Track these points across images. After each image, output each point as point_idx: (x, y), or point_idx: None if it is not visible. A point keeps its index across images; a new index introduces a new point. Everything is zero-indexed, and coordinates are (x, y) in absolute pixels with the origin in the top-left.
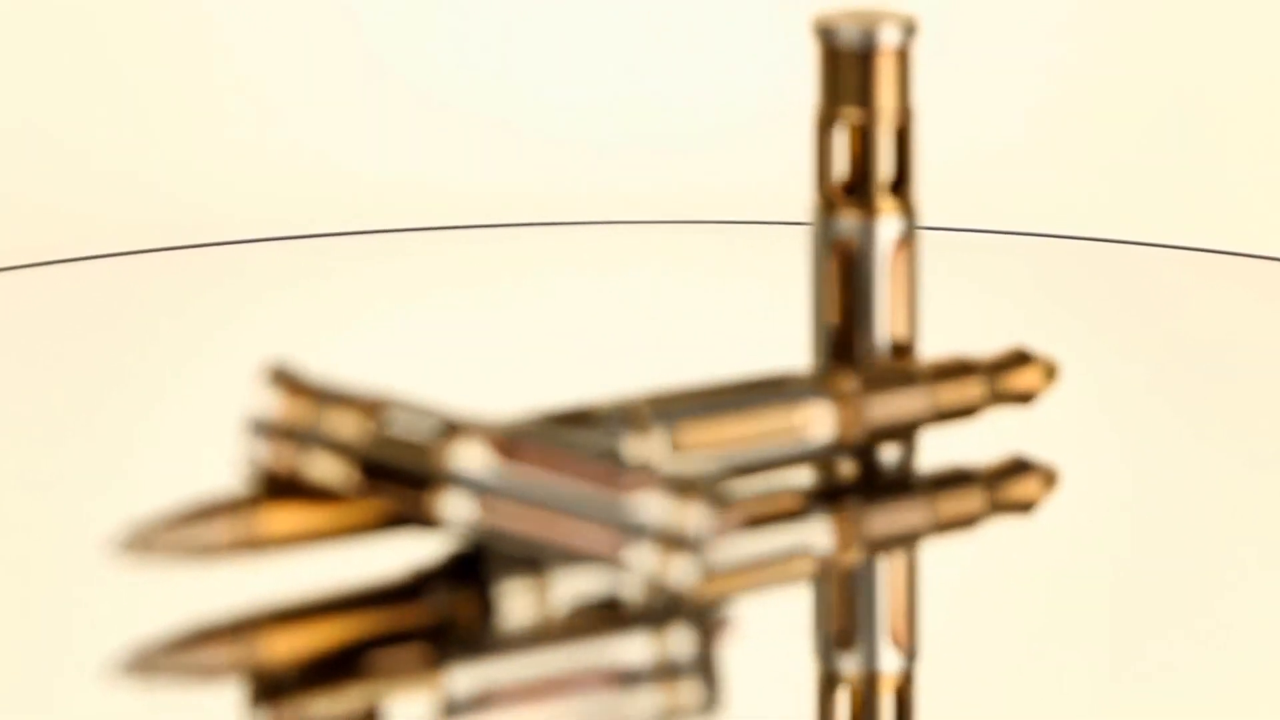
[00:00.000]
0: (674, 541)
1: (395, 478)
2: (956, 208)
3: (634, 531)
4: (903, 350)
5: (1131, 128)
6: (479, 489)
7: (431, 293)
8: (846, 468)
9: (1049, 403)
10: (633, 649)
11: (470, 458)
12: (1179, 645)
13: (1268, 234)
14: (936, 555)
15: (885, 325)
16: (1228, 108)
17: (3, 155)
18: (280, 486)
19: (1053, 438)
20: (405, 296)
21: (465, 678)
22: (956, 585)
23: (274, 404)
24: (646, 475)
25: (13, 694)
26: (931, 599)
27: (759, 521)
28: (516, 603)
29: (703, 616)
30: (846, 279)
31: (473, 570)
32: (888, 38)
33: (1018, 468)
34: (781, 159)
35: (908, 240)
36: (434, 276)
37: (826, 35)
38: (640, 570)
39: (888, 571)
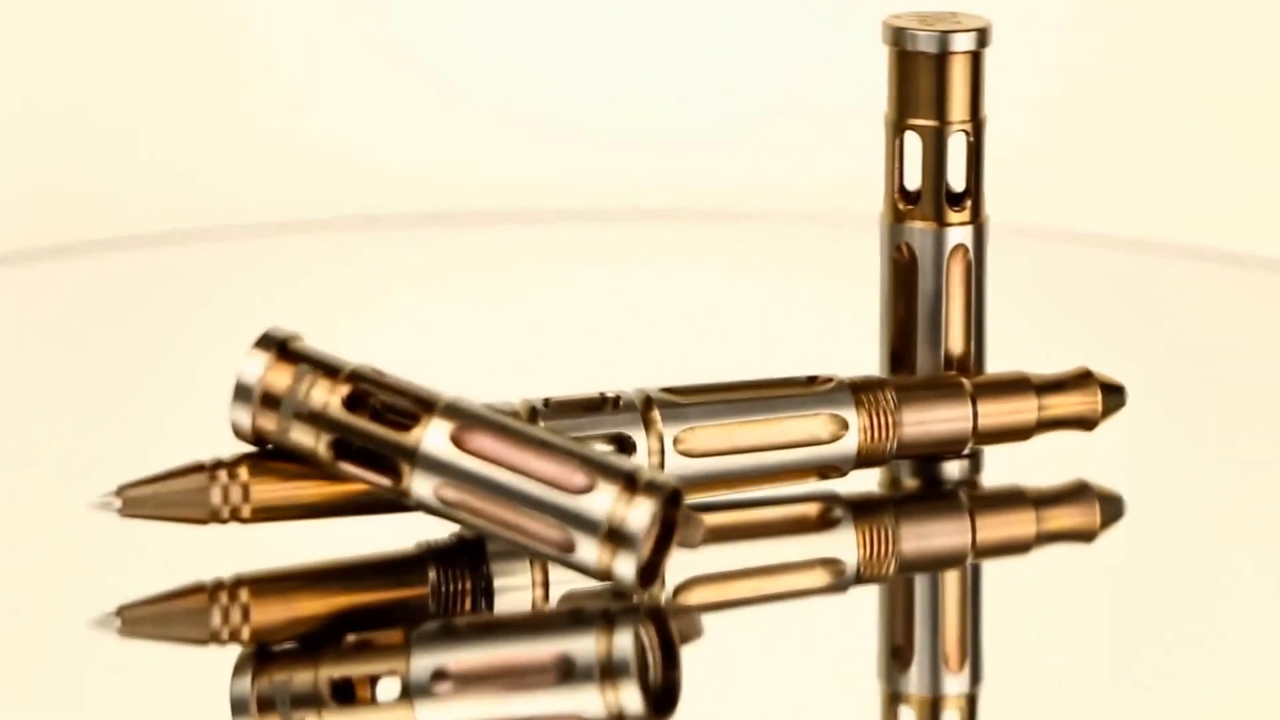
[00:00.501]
0: (615, 539)
1: (361, 453)
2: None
3: (579, 527)
4: (960, 363)
5: (1142, 125)
6: (437, 472)
7: (453, 283)
8: (891, 479)
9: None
10: (581, 645)
11: (431, 440)
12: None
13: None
14: (998, 574)
15: (941, 336)
16: (1234, 107)
17: (35, 141)
18: (270, 453)
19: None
20: (457, 284)
21: (424, 660)
22: (1009, 605)
23: (258, 370)
24: (599, 472)
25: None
26: (994, 620)
27: (783, 529)
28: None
29: (674, 618)
30: (903, 288)
31: (476, 552)
32: (961, 42)
33: (1076, 493)
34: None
35: (963, 250)
36: (460, 266)
37: (898, 38)
38: (584, 566)
39: (943, 590)
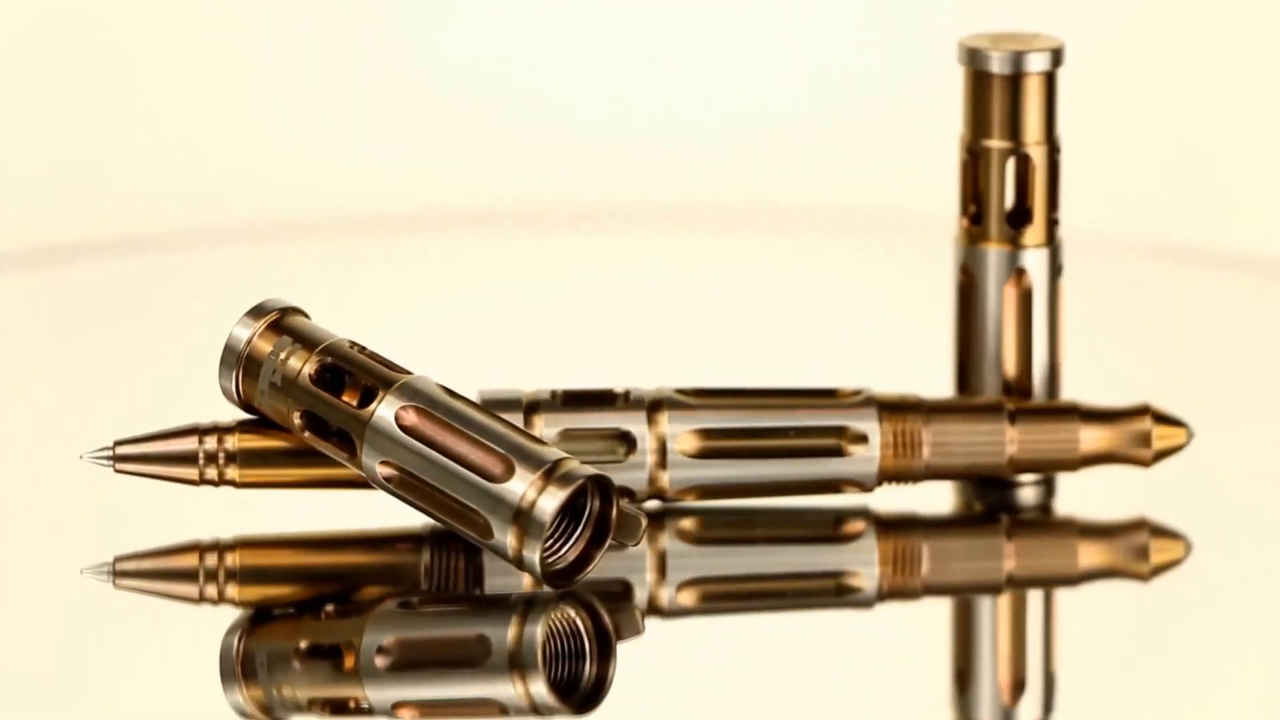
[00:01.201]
0: (523, 526)
1: (325, 426)
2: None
3: (495, 513)
4: (1019, 388)
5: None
6: (379, 449)
7: (485, 284)
8: (963, 501)
9: None
10: (498, 632)
11: (378, 417)
12: None
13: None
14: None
15: (998, 361)
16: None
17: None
18: (266, 421)
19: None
20: (490, 286)
21: (372, 636)
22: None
23: (244, 335)
24: (523, 460)
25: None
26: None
27: (796, 539)
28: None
29: (612, 613)
30: (966, 311)
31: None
32: (1036, 63)
33: (1132, 529)
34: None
35: (1023, 274)
36: (489, 269)
37: (973, 59)
38: (501, 552)
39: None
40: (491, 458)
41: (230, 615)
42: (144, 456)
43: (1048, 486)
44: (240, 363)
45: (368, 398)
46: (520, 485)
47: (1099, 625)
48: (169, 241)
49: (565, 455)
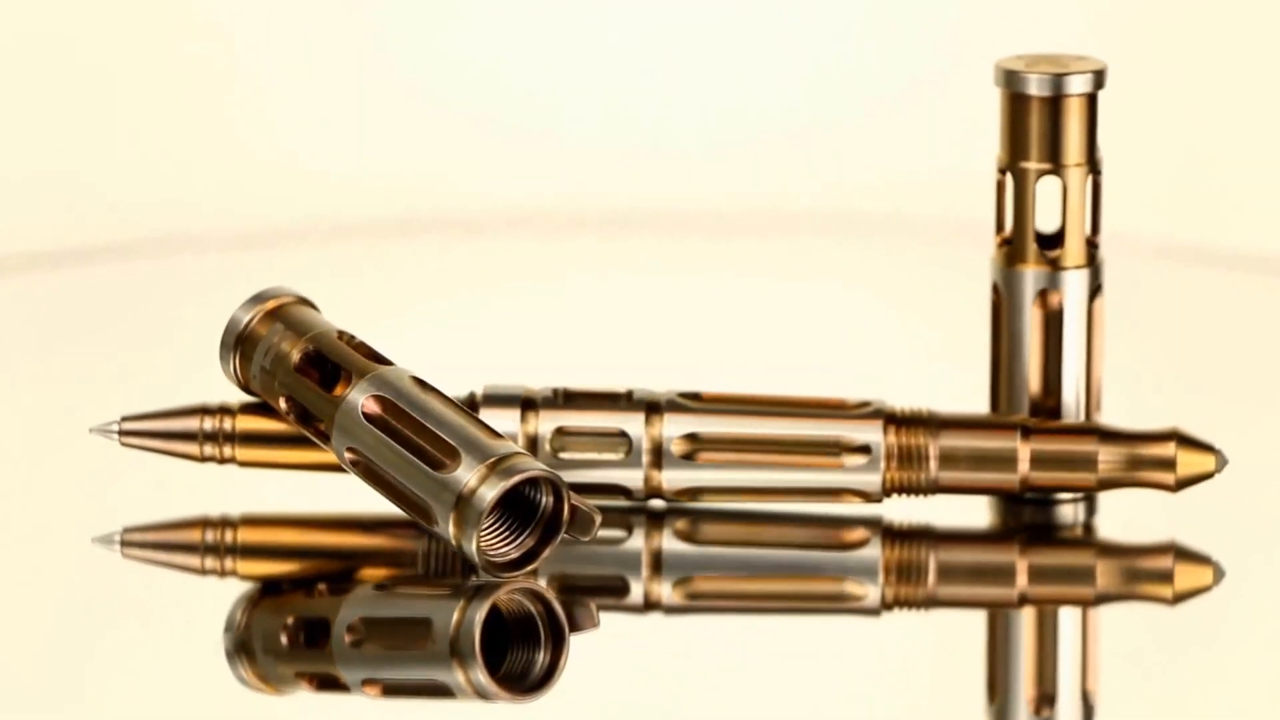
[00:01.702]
0: (462, 515)
1: (307, 412)
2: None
3: (438, 500)
4: (1045, 408)
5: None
6: (345, 434)
7: (503, 287)
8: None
9: None
10: (442, 617)
11: (347, 404)
12: None
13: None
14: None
15: (1024, 381)
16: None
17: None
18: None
19: None
20: (507, 289)
21: (345, 613)
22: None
23: (243, 319)
24: (472, 450)
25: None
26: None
27: (798, 546)
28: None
29: (567, 605)
30: (1000, 330)
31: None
32: (1076, 85)
33: (1159, 552)
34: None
35: (1049, 294)
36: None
37: (1010, 81)
38: (444, 540)
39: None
40: (443, 448)
41: (234, 589)
42: (149, 432)
43: (1089, 504)
44: (238, 345)
45: (343, 385)
46: (465, 474)
47: (1113, 648)
48: (167, 246)
49: (518, 450)
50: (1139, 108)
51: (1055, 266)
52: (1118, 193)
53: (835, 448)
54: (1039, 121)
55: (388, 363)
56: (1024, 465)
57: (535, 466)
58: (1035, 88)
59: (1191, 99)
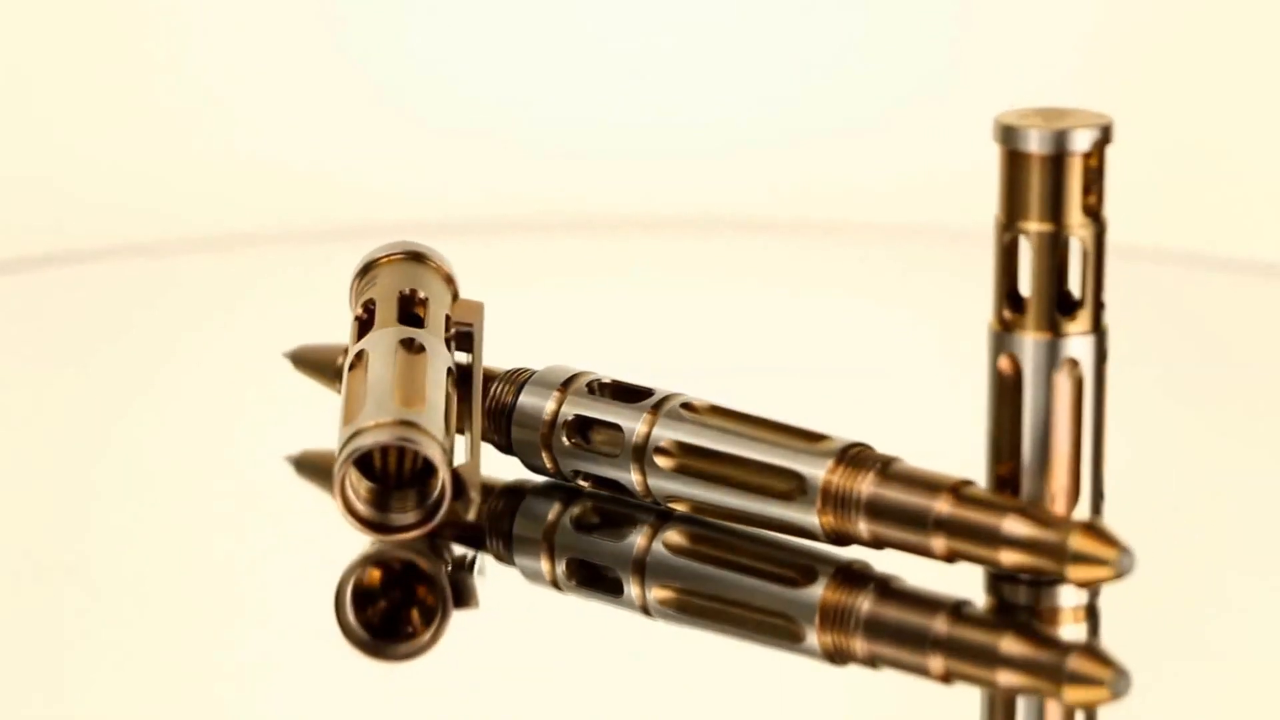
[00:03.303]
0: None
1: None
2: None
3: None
4: (1007, 480)
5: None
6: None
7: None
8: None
9: None
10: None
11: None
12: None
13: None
14: None
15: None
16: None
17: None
18: None
19: None
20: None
21: None
22: None
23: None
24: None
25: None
26: None
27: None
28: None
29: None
30: (1008, 404)
31: None
32: (1079, 142)
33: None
34: None
35: (1074, 364)
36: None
37: (1010, 137)
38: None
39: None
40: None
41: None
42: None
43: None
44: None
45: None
46: (367, 418)
47: None
48: (165, 248)
49: (436, 440)
50: (1136, 108)
51: (1059, 333)
52: (1116, 195)
53: (790, 482)
54: (1040, 180)
55: (419, 325)
56: (937, 530)
57: (432, 450)
58: (1036, 145)
59: (1164, 94)
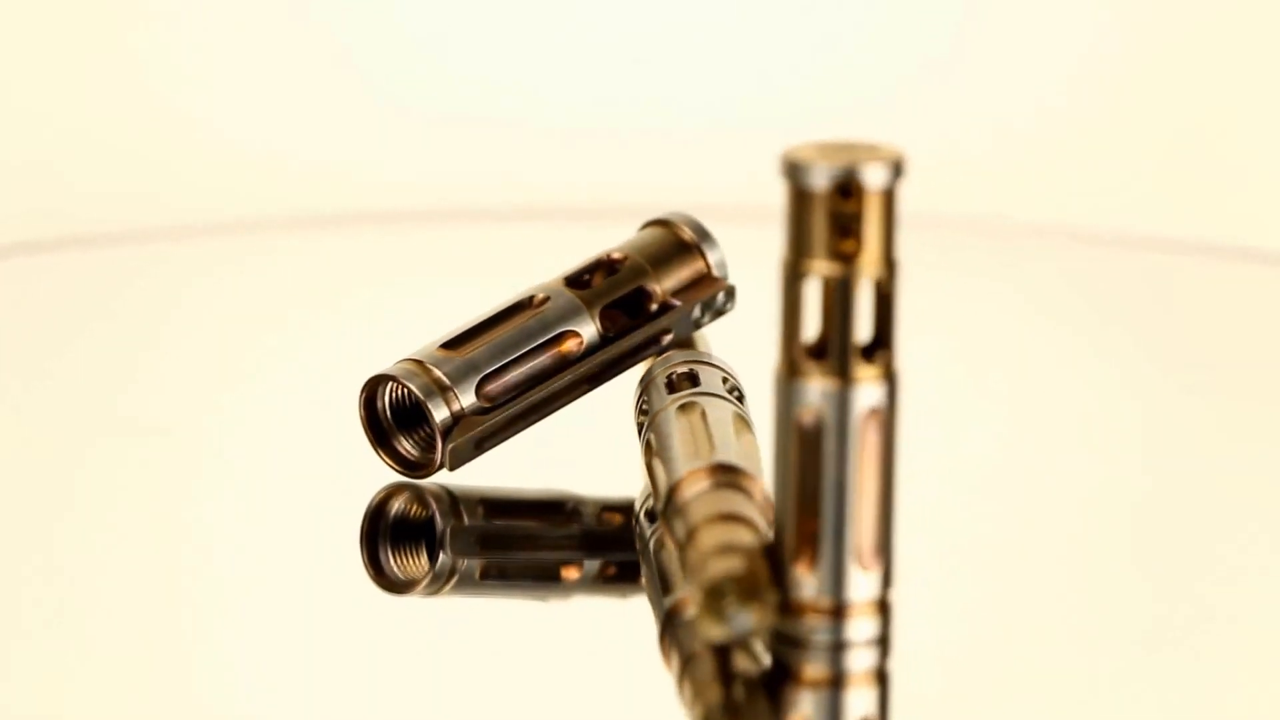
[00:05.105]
0: None
1: None
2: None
3: None
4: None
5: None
6: None
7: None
8: None
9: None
10: None
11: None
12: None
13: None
14: None
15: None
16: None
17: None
18: None
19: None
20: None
21: None
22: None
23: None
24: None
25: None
26: None
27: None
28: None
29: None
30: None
31: None
32: (872, 178)
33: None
34: None
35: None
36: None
37: (796, 173)
38: None
39: None
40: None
41: None
42: None
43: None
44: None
45: None
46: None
47: None
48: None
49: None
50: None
51: (845, 379)
52: (1113, 190)
53: None
54: (826, 218)
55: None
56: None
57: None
58: (825, 180)
59: (1158, 88)
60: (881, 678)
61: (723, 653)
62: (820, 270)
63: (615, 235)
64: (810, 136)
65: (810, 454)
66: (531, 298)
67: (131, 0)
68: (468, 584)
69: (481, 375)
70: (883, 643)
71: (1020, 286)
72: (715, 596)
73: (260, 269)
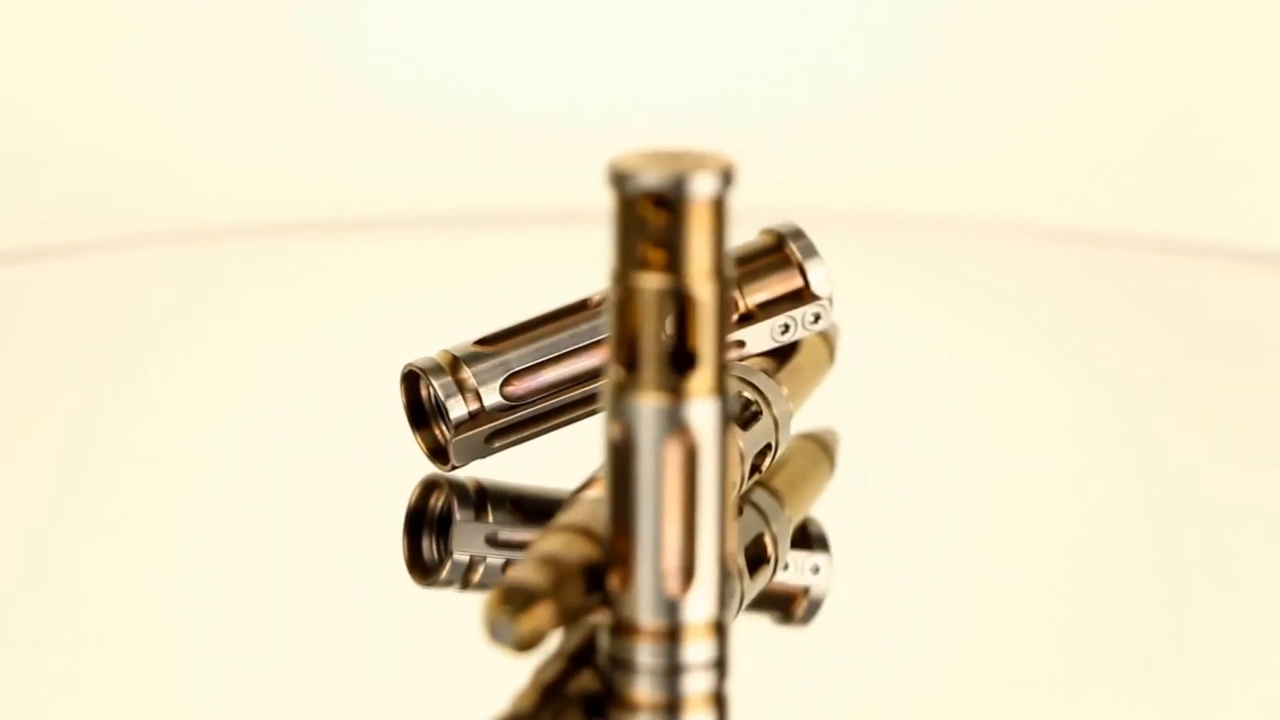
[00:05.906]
0: None
1: None
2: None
3: None
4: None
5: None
6: None
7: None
8: None
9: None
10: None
11: None
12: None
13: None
14: None
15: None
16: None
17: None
18: None
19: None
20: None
21: None
22: None
23: None
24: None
25: None
26: None
27: None
28: None
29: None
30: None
31: None
32: (696, 187)
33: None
34: None
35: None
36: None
37: (619, 181)
38: None
39: None
40: None
41: None
42: None
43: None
44: None
45: None
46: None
47: None
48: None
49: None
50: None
51: (680, 395)
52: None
53: None
54: (657, 228)
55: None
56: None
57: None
58: (653, 187)
59: (1152, 86)
60: (719, 701)
61: (571, 666)
62: (638, 281)
63: None
64: (807, 137)
65: (619, 470)
66: (588, 300)
67: (133, 5)
68: (491, 578)
69: (509, 373)
70: (719, 665)
71: (997, 288)
72: (494, 601)
73: (272, 274)
